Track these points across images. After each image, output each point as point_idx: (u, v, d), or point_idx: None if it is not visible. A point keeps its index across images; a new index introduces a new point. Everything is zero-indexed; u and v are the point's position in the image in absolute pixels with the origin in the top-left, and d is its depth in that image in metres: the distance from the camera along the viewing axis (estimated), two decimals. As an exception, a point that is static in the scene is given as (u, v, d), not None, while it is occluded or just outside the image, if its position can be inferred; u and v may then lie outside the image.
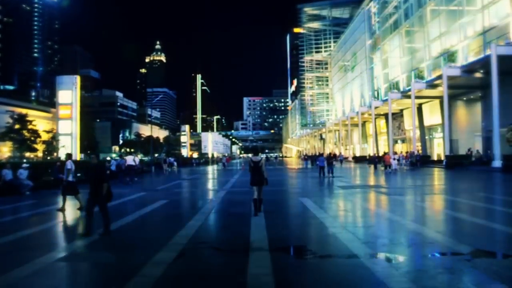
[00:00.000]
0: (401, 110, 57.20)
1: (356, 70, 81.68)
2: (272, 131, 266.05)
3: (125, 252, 6.87)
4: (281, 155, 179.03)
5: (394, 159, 30.23)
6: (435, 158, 46.51)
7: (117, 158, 34.08)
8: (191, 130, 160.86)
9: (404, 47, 54.62)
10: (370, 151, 67.19)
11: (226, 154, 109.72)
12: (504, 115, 30.28)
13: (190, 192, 19.38)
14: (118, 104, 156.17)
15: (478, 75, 35.20)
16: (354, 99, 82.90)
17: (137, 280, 5.12)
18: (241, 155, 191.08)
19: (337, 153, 72.80)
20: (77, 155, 39.38)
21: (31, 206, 13.87)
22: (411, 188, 18.37)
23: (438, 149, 48.27)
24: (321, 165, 26.52)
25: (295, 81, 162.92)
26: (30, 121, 58.47)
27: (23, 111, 62.63)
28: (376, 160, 37.23)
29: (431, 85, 41.13)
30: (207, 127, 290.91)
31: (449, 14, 42.10)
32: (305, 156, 50.95)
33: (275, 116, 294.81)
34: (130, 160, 26.83)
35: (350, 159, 68.81)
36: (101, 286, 5.23)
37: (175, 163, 44.15)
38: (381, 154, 46.02)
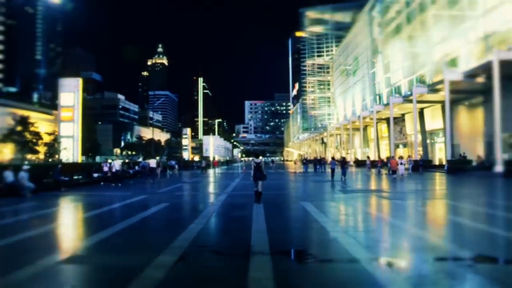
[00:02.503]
0: (403, 115, 57.19)
1: (357, 74, 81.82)
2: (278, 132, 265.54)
3: (126, 255, 6.86)
4: (282, 159, 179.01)
5: (401, 163, 27.92)
6: (436, 162, 46.45)
7: (137, 160, 34.42)
8: (193, 134, 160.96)
9: (406, 51, 54.68)
10: (371, 155, 67.18)
11: (206, 157, 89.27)
12: (506, 120, 30.22)
13: (191, 196, 19.37)
14: (120, 106, 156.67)
15: (480, 80, 35.17)
16: (355, 103, 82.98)
17: (137, 283, 5.12)
18: (242, 159, 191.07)
19: (333, 157, 72.60)
20: (79, 158, 39.41)
21: (31, 208, 13.87)
22: (412, 193, 18.33)
23: (440, 154, 48.23)
24: (333, 167, 28.76)
25: (296, 85, 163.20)
26: (32, 123, 58.77)
27: (25, 113, 62.98)
28: (378, 164, 37.40)
29: (433, 89, 41.14)
30: (208, 130, 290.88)
31: (451, 19, 42.18)
32: (304, 160, 50.09)
33: (277, 120, 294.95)
34: (153, 163, 31.59)
35: (352, 163, 68.70)
36: (102, 289, 5.23)
37: (176, 166, 44.12)
38: (380, 158, 45.95)
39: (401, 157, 31.05)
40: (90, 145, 78.03)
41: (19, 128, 56.95)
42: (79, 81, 39.62)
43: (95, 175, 27.07)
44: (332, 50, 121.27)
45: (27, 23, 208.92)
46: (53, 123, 70.89)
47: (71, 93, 38.72)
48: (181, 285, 5.29)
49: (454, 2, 41.14)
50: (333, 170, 28.05)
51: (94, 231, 9.15)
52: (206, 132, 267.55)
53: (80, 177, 26.16)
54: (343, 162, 28.02)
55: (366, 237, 8.34)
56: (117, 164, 27.88)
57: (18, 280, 5.35)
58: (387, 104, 53.51)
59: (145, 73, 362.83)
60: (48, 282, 5.45)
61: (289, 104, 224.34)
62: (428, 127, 50.64)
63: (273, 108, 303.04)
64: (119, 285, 5.05)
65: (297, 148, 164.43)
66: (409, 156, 40.68)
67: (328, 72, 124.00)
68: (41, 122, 68.63)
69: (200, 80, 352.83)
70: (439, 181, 27.16)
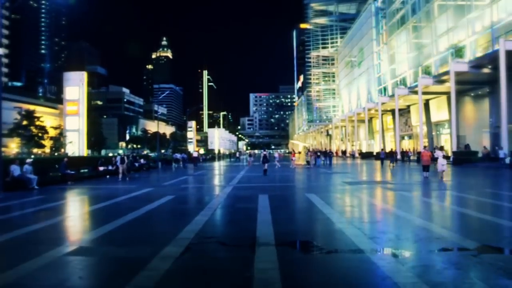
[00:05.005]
0: (408, 106, 56.94)
1: (362, 66, 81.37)
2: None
3: (133, 247, 6.93)
4: (287, 151, 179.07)
5: (443, 156, 20.18)
6: (442, 154, 46.21)
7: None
8: (198, 126, 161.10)
9: (411, 42, 54.34)
10: (377, 147, 67.06)
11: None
12: (513, 111, 30.09)
13: (196, 188, 19.43)
14: (125, 100, 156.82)
15: (486, 70, 34.93)
16: (360, 95, 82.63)
17: (144, 273, 5.18)
18: (247, 151, 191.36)
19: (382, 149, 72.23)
20: (84, 151, 39.60)
21: (38, 201, 14.01)
22: (417, 184, 18.28)
23: (445, 145, 48.02)
24: (382, 157, 35.94)
25: (301, 77, 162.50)
26: (38, 117, 58.97)
27: (31, 107, 63.32)
28: (389, 156, 37.14)
29: (439, 80, 40.90)
30: (213, 123, 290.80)
31: (457, 9, 41.81)
32: (319, 152, 43.99)
33: (282, 112, 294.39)
34: (195, 153, 46.07)
35: (356, 155, 68.56)
36: (109, 280, 5.28)
37: (181, 159, 44.14)
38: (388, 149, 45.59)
39: (441, 148, 23.69)
40: (96, 138, 78.35)
41: (24, 123, 57.17)
42: (84, 75, 39.64)
43: (101, 168, 27.20)
44: (337, 42, 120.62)
45: (32, 17, 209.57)
46: (59, 117, 71.23)
47: (76, 87, 38.75)
48: (187, 276, 5.34)
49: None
50: (382, 160, 35.22)
51: (101, 223, 9.22)
52: (211, 125, 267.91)
53: (86, 170, 26.31)
54: (391, 153, 34.33)
55: (371, 227, 8.36)
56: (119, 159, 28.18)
57: (26, 271, 5.42)
58: (393, 96, 53.32)
59: (149, 67, 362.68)
60: (56, 273, 5.51)
61: (294, 96, 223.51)
62: (434, 118, 50.40)
63: (278, 101, 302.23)
64: (126, 276, 5.10)
65: (302, 140, 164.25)
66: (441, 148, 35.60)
67: (333, 64, 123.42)
68: (46, 116, 68.91)
69: (205, 73, 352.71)
70: (444, 172, 26.99)
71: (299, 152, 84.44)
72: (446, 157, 20.59)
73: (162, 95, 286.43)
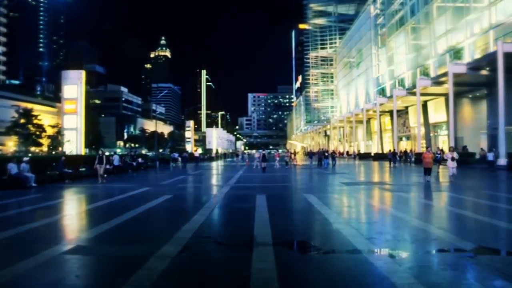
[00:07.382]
0: (406, 107, 57.04)
1: (361, 67, 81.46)
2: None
3: (130, 246, 6.92)
4: (285, 151, 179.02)
5: (452, 158, 18.85)
6: (439, 155, 46.28)
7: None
8: (196, 126, 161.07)
9: (409, 44, 54.42)
10: (374, 148, 67.15)
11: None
12: (510, 113, 30.11)
13: (193, 188, 19.42)
14: (123, 99, 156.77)
15: (484, 72, 35.01)
16: (359, 96, 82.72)
17: (141, 273, 5.17)
18: (245, 151, 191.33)
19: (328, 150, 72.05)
20: (82, 150, 39.52)
21: (35, 200, 13.98)
22: (414, 185, 18.29)
23: (443, 147, 48.10)
24: (389, 157, 36.99)
25: (300, 77, 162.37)
26: (36, 116, 58.64)
27: (29, 105, 62.85)
28: (393, 157, 37.11)
29: (437, 82, 40.97)
30: (211, 123, 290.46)
31: (456, 11, 41.87)
32: (324, 153, 42.40)
33: (280, 112, 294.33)
34: (196, 153, 51.63)
35: (354, 155, 68.59)
36: (106, 279, 5.27)
37: (180, 159, 44.03)
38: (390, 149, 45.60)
39: (450, 149, 21.44)
40: (93, 137, 78.14)
41: (22, 121, 56.86)
42: (82, 73, 39.56)
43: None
44: (335, 43, 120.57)
45: (30, 15, 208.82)
46: (57, 115, 71.04)
47: (74, 85, 38.67)
48: (184, 275, 5.33)
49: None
50: (390, 160, 36.35)
51: (98, 222, 9.21)
52: (209, 125, 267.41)
53: (83, 169, 26.24)
54: (393, 154, 36.28)
55: (368, 228, 8.37)
56: (116, 158, 28.24)
57: (24, 269, 5.41)
58: (391, 97, 53.37)
59: (148, 66, 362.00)
60: (53, 272, 5.50)
61: (292, 96, 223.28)
62: (432, 119, 50.49)
63: (276, 101, 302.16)
64: (123, 275, 5.09)
65: (300, 140, 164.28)
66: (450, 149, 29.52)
67: (331, 65, 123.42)
68: (44, 115, 68.57)
69: (203, 72, 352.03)
70: (442, 173, 27.04)
71: (296, 152, 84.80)
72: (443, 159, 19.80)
73: (161, 94, 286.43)
